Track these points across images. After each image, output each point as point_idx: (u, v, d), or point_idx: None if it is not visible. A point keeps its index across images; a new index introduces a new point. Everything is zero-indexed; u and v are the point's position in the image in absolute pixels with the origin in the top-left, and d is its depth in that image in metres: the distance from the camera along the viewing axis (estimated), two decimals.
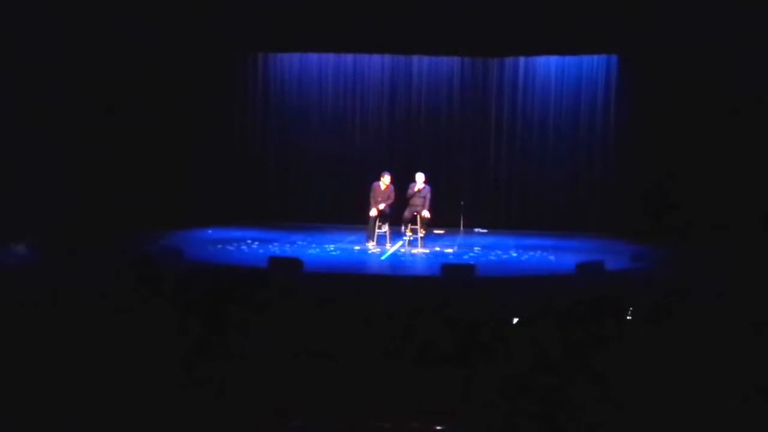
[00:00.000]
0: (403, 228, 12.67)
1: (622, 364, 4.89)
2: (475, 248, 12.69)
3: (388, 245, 12.49)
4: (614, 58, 15.05)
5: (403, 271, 11.01)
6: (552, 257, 11.92)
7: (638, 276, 10.39)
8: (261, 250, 11.96)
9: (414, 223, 12.51)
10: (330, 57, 15.91)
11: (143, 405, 4.40)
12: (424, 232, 12.60)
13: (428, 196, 12.49)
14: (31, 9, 11.97)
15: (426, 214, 12.40)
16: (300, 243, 12.94)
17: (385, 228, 12.63)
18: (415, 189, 12.51)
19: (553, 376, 4.66)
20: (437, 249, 12.50)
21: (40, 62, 12.14)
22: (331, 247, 12.57)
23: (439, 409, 4.59)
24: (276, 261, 10.17)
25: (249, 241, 12.80)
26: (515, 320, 6.27)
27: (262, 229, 14.39)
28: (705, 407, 4.43)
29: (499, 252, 12.37)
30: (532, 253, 12.35)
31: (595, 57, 15.20)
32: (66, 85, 12.64)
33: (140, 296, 6.46)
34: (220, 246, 12.32)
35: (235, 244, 12.49)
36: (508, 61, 15.58)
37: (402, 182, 12.75)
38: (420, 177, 12.60)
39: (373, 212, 12.49)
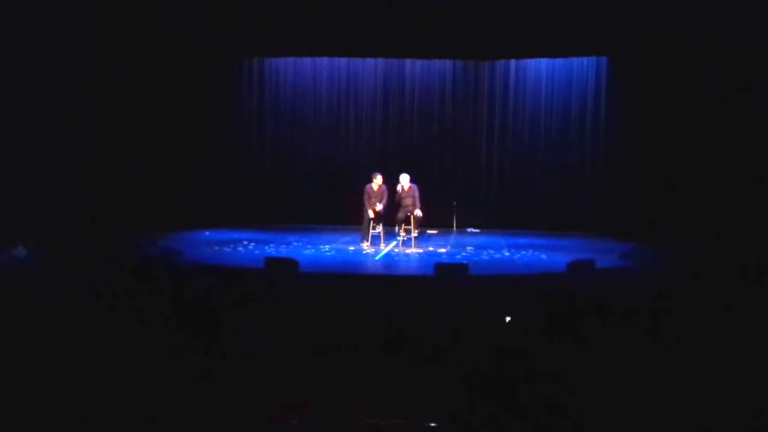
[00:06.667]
0: (396, 228, 12.79)
1: (604, 365, 5.00)
2: (468, 248, 12.83)
3: (382, 245, 12.62)
4: (604, 59, 15.21)
5: (397, 270, 11.11)
6: (543, 256, 12.05)
7: (628, 274, 10.52)
8: (257, 251, 12.08)
9: (407, 223, 12.64)
10: (324, 61, 16.08)
11: (141, 404, 4.44)
12: (417, 232, 12.74)
13: (417, 194, 12.59)
14: (29, 13, 12.08)
15: (418, 213, 12.51)
16: (295, 244, 13.06)
17: (379, 228, 12.75)
18: (404, 189, 12.59)
19: (541, 376, 4.77)
20: (430, 249, 12.64)
21: (41, 65, 12.24)
22: (326, 247, 12.68)
23: (432, 406, 4.61)
24: (272, 261, 10.27)
25: (246, 242, 12.93)
26: (507, 318, 6.40)
27: (258, 230, 14.55)
28: (688, 406, 4.50)
29: (492, 251, 12.50)
30: (524, 252, 12.48)
31: (585, 59, 15.37)
32: (65, 89, 12.73)
33: (138, 297, 6.58)
34: (217, 247, 12.45)
35: (232, 246, 12.62)
36: (499, 63, 15.74)
37: (395, 184, 12.85)
38: (404, 177, 12.69)
39: (370, 213, 12.61)
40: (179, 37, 14.27)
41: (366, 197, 12.68)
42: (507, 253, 12.38)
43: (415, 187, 12.69)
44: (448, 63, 15.87)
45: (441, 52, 15.30)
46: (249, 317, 6.14)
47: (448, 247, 12.93)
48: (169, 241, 12.59)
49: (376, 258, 11.85)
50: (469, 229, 15.28)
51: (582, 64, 15.47)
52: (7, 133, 11.67)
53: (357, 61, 16.05)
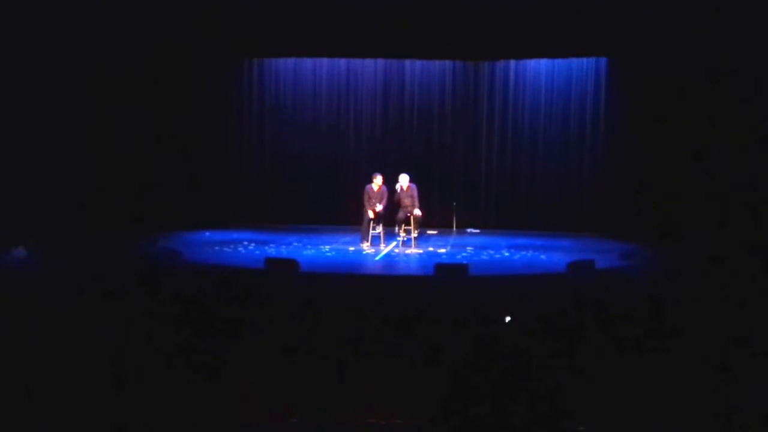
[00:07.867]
0: (396, 229, 12.80)
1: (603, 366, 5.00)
2: (468, 248, 12.84)
3: (382, 246, 12.63)
4: (603, 60, 15.19)
5: (396, 271, 11.15)
6: (543, 256, 12.06)
7: (628, 274, 10.54)
8: (257, 252, 12.10)
9: (407, 223, 12.66)
10: (324, 61, 16.07)
11: (141, 405, 4.48)
12: (417, 232, 12.75)
13: (415, 194, 12.61)
14: (28, 13, 12.10)
15: (418, 212, 12.52)
16: (295, 244, 13.08)
17: (379, 229, 12.77)
18: (403, 189, 12.58)
19: (539, 376, 4.78)
20: (430, 249, 12.65)
21: (41, 66, 12.26)
22: (326, 248, 12.70)
23: (431, 406, 4.64)
24: (272, 262, 10.30)
25: (246, 243, 12.95)
26: (507, 319, 6.41)
27: (258, 230, 14.55)
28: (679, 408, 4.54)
29: (492, 252, 12.51)
30: (523, 252, 12.49)
31: (585, 59, 15.33)
32: (65, 89, 12.75)
33: (138, 297, 6.58)
34: (217, 247, 12.46)
35: (232, 246, 12.64)
36: (499, 64, 15.71)
37: (395, 184, 12.85)
38: (403, 177, 12.70)
39: (370, 214, 12.61)
40: (179, 37, 14.26)
41: (366, 198, 12.69)
42: (507, 254, 12.38)
43: (414, 186, 12.70)
44: (448, 63, 15.86)
45: (441, 52, 15.28)
46: (249, 318, 6.15)
47: (448, 248, 12.94)
48: (169, 241, 12.59)
49: (376, 258, 11.87)
50: (468, 230, 15.28)
51: (582, 65, 15.43)
52: (7, 133, 11.69)
53: (357, 62, 16.03)
